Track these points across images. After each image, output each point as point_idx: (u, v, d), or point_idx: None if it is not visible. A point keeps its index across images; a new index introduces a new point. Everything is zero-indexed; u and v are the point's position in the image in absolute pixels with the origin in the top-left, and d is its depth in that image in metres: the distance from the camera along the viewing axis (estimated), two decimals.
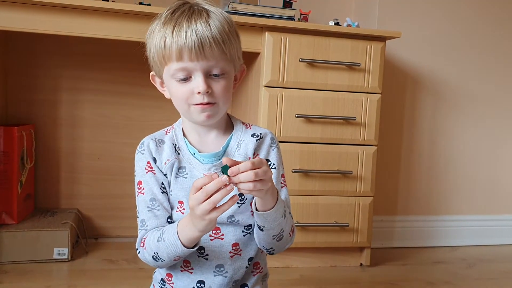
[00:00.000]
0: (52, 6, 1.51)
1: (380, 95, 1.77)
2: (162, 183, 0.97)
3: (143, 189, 0.97)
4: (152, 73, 1.01)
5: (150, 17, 1.55)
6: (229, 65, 0.93)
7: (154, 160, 0.98)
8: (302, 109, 1.70)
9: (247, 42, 1.66)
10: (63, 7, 1.52)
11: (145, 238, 0.94)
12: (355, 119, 1.74)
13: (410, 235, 2.21)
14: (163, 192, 0.97)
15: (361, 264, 1.89)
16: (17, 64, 1.92)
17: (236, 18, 1.61)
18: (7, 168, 1.73)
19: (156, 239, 0.91)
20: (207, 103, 0.91)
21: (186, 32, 0.87)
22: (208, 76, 0.90)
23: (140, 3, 1.65)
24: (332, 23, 1.79)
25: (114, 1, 1.63)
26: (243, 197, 0.96)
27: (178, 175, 0.97)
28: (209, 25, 0.88)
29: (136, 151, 1.00)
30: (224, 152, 0.99)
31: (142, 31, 1.57)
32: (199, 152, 0.97)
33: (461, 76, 2.22)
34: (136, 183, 0.99)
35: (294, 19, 1.76)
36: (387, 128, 2.12)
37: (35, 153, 1.92)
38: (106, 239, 2.02)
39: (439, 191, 2.25)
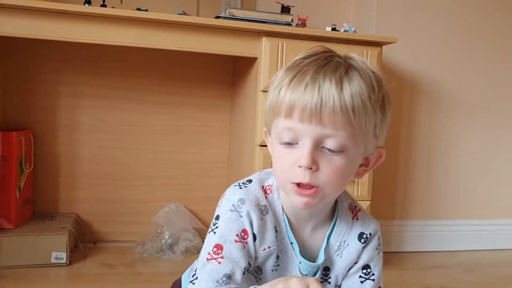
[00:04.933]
0: (50, 12, 1.52)
1: None
2: (247, 266, 0.75)
3: (222, 257, 0.73)
4: (265, 128, 0.80)
5: (147, 22, 1.58)
6: (355, 142, 0.69)
7: (254, 237, 0.76)
8: None
9: (245, 47, 1.67)
10: (62, 13, 1.53)
11: None
12: None
13: (408, 240, 2.21)
14: (243, 273, 0.73)
15: None
16: (16, 70, 1.93)
17: (233, 24, 1.63)
18: (6, 173, 1.74)
19: None
20: (307, 185, 0.69)
21: (306, 85, 0.67)
22: (319, 148, 0.69)
23: (138, 9, 1.66)
24: (329, 29, 1.80)
25: (114, 7, 1.64)
26: (328, 277, 0.82)
27: (273, 268, 0.79)
28: (341, 84, 0.67)
29: (231, 206, 0.77)
30: (326, 259, 0.80)
31: (139, 37, 1.59)
32: (296, 242, 0.79)
33: (458, 81, 2.23)
34: (211, 242, 0.75)
35: (291, 25, 1.78)
36: None
37: (34, 158, 1.93)
38: (105, 244, 2.02)
39: (437, 195, 2.26)
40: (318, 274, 0.81)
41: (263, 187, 0.80)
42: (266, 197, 0.79)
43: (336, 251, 0.80)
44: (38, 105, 1.96)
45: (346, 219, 0.80)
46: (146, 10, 1.64)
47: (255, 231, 0.75)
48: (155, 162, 2.08)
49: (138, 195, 2.07)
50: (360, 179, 1.77)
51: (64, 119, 1.99)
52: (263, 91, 1.68)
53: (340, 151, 0.68)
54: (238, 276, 0.72)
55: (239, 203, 0.76)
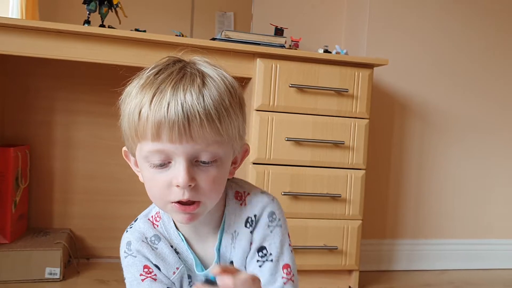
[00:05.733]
0: (48, 31, 1.56)
1: (368, 120, 1.82)
2: None
3: None
4: (124, 148, 0.76)
5: (145, 43, 1.62)
6: (225, 148, 0.70)
7: (158, 268, 0.77)
8: (292, 133, 1.74)
9: (239, 68, 1.71)
10: (60, 32, 1.57)
11: None
12: (343, 143, 1.78)
13: (398, 259, 2.24)
14: None
15: (350, 287, 1.91)
16: (13, 86, 1.96)
17: (228, 45, 1.68)
18: (2, 188, 1.75)
19: None
20: (188, 201, 0.68)
21: (168, 104, 0.64)
22: (193, 163, 0.68)
23: (136, 30, 1.70)
24: (321, 51, 1.85)
25: (110, 26, 1.68)
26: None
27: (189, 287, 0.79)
28: (202, 96, 0.66)
29: (123, 253, 0.79)
30: (221, 257, 0.78)
31: (137, 56, 1.63)
32: (197, 255, 0.79)
33: (448, 102, 2.28)
34: None
35: (285, 47, 1.82)
36: (376, 152, 2.16)
37: (30, 173, 1.95)
38: (98, 260, 2.03)
39: (427, 215, 2.28)
40: None
41: (152, 216, 0.80)
42: (156, 226, 0.79)
43: (231, 244, 0.77)
44: (35, 121, 1.99)
45: (234, 209, 0.77)
46: (144, 31, 1.68)
47: (155, 263, 0.76)
48: None
49: (132, 211, 2.05)
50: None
51: (59, 135, 2.02)
52: (257, 110, 1.72)
53: (214, 161, 0.68)
54: None
55: (128, 246, 0.78)
